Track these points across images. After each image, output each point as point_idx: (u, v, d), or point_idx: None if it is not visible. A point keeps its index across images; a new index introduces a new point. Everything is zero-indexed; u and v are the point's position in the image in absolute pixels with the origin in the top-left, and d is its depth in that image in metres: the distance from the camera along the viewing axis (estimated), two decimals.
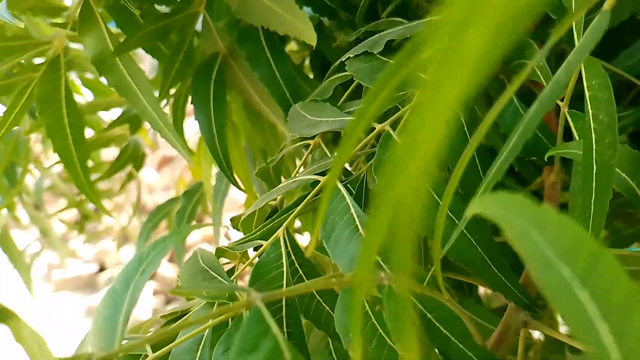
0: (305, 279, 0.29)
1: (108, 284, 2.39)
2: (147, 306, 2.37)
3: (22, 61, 0.45)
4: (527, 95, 0.35)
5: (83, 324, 2.31)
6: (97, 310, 0.20)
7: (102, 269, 2.48)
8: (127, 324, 0.19)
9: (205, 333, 0.27)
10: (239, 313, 0.21)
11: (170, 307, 2.17)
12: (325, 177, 0.29)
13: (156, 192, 2.42)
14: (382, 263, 0.25)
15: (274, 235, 0.29)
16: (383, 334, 0.24)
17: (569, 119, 0.29)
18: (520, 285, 0.29)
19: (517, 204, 0.16)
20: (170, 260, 2.26)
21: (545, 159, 0.32)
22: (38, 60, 0.48)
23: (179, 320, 0.28)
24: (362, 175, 0.31)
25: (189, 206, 0.57)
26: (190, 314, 0.29)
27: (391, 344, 0.24)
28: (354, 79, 0.33)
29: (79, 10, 0.40)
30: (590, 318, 0.14)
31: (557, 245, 0.15)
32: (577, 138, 0.30)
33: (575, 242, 0.15)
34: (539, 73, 0.31)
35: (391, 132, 0.29)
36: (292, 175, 0.36)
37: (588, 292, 0.14)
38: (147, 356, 0.26)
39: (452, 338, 0.25)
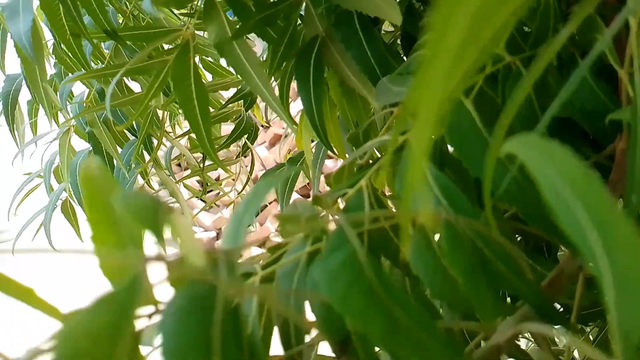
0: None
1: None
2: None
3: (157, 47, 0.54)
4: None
5: None
6: (227, 226, 0.28)
7: (218, 237, 2.69)
8: (246, 233, 0.26)
9: (302, 257, 0.34)
10: None
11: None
12: (403, 137, 0.35)
13: (268, 166, 2.59)
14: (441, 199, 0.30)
15: (357, 185, 0.36)
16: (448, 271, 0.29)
17: (626, 82, 0.32)
18: None
19: (537, 144, 0.20)
20: None
21: (606, 124, 0.35)
22: (168, 46, 0.57)
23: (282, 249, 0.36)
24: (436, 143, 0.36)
25: (292, 171, 0.66)
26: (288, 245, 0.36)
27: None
28: None
29: (203, 2, 0.49)
30: (583, 229, 0.19)
31: (562, 174, 0.20)
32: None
33: (575, 172, 0.20)
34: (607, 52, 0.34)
35: (464, 100, 0.34)
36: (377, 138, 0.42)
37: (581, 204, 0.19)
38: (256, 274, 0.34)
39: (507, 273, 0.29)
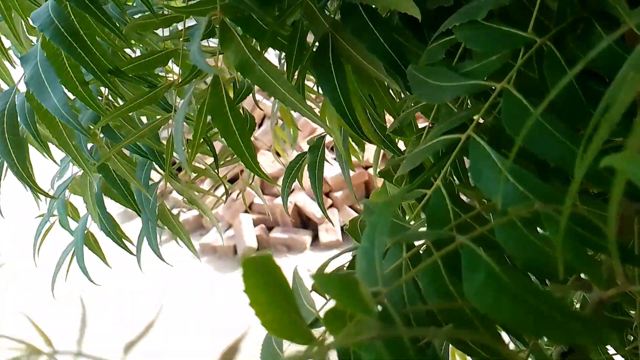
0: (462, 214, 0.39)
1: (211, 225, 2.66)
2: (252, 235, 2.65)
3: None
4: None
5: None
6: (357, 262, 0.31)
7: None
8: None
9: (403, 264, 0.38)
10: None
11: (273, 235, 2.40)
12: (465, 134, 0.38)
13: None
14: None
15: (435, 186, 0.39)
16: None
17: None
18: None
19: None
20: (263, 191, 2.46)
21: None
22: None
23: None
24: (490, 124, 0.40)
25: (317, 159, 0.68)
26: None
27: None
28: (466, 45, 0.41)
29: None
30: None
31: None
32: None
33: None
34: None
35: (511, 89, 0.38)
36: (426, 132, 0.46)
37: None
38: None
39: (595, 239, 0.34)
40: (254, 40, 0.55)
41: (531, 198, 0.34)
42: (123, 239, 0.84)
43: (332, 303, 0.41)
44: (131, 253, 0.81)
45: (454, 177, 0.45)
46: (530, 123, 0.33)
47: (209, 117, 0.51)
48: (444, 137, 0.40)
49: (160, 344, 2.31)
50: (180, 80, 0.55)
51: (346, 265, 0.51)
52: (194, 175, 1.02)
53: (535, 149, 0.36)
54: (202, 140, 0.78)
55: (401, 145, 0.70)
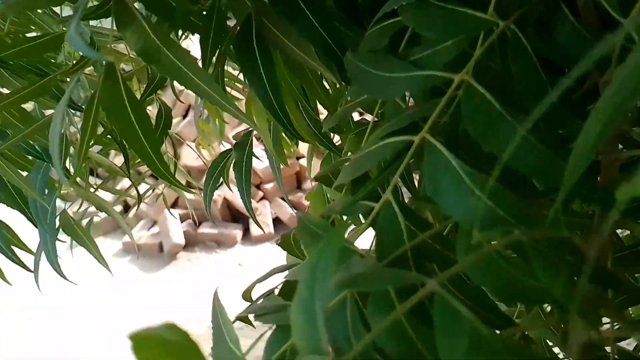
0: (419, 233, 0.32)
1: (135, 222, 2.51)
2: (179, 231, 2.52)
3: None
4: None
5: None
6: (292, 317, 0.24)
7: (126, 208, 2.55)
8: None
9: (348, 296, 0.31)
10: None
11: (201, 230, 2.30)
12: (419, 136, 0.32)
13: None
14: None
15: (384, 198, 0.32)
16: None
17: None
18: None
19: None
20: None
21: None
22: None
23: None
24: (446, 125, 0.33)
25: (244, 157, 0.60)
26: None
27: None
28: (415, 30, 0.34)
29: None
30: None
31: None
32: None
33: None
34: None
35: (472, 81, 0.31)
36: (369, 129, 0.39)
37: None
38: None
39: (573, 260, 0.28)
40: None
41: (508, 220, 0.28)
42: (26, 248, 0.73)
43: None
44: (29, 270, 0.70)
45: (402, 185, 0.38)
46: (517, 141, 0.27)
47: None
48: (392, 139, 0.33)
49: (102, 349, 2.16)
50: (69, 68, 0.45)
51: (278, 287, 0.43)
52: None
53: (508, 160, 0.30)
54: (109, 136, 0.68)
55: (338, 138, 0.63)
